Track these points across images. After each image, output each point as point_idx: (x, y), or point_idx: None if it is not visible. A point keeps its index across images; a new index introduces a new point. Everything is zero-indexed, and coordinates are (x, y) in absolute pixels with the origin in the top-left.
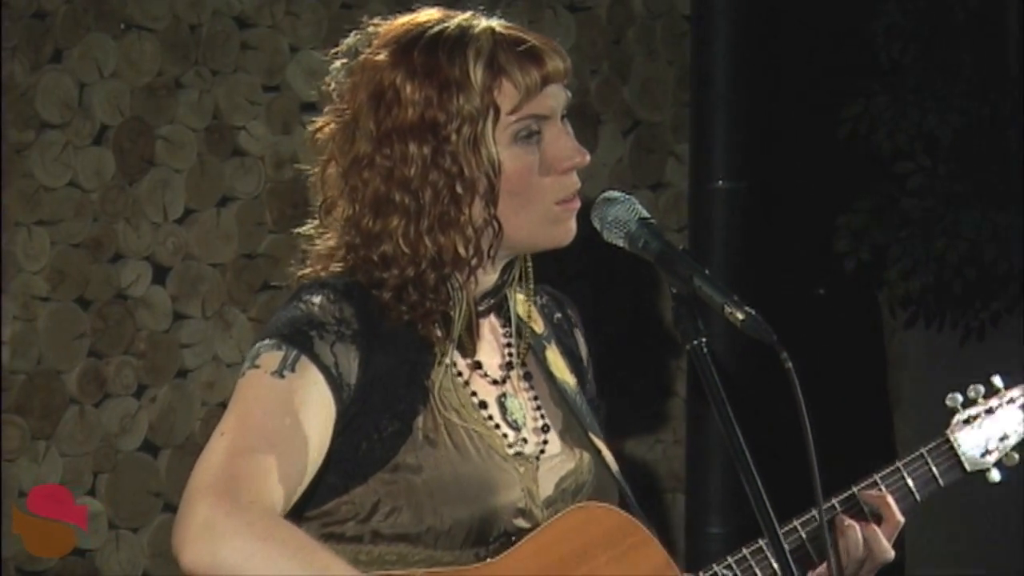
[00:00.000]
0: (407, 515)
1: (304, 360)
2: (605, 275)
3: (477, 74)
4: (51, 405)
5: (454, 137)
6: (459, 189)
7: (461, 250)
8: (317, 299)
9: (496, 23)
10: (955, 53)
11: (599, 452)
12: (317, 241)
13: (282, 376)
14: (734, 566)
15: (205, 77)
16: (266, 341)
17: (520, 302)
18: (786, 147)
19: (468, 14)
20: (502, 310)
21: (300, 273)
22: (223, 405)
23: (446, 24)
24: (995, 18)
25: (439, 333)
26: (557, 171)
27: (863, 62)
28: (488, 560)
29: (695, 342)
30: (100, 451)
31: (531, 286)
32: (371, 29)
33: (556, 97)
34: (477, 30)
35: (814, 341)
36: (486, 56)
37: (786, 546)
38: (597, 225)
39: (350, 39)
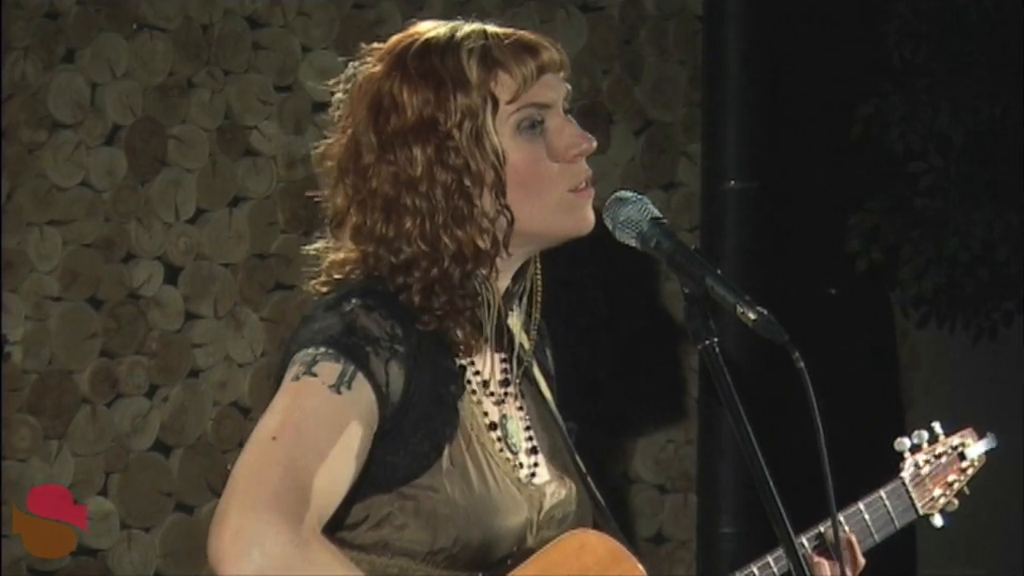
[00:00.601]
0: (417, 531)
1: (360, 377)
2: (617, 276)
3: (472, 69)
4: (63, 405)
5: (456, 133)
6: (467, 183)
7: (480, 242)
8: (370, 311)
9: (486, 25)
10: (967, 53)
11: (584, 478)
12: (329, 254)
13: (339, 392)
14: None
15: (217, 77)
16: (323, 349)
17: (512, 317)
18: (798, 147)
19: (455, 22)
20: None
21: (314, 282)
22: (235, 404)
23: (436, 30)
24: (1008, 18)
25: (471, 334)
26: (565, 159)
27: (875, 62)
28: None
29: (707, 342)
30: (112, 451)
31: (539, 298)
32: (367, 58)
33: (555, 87)
34: (467, 30)
35: (826, 341)
36: (479, 51)
37: (798, 545)
38: (609, 225)
39: (349, 70)
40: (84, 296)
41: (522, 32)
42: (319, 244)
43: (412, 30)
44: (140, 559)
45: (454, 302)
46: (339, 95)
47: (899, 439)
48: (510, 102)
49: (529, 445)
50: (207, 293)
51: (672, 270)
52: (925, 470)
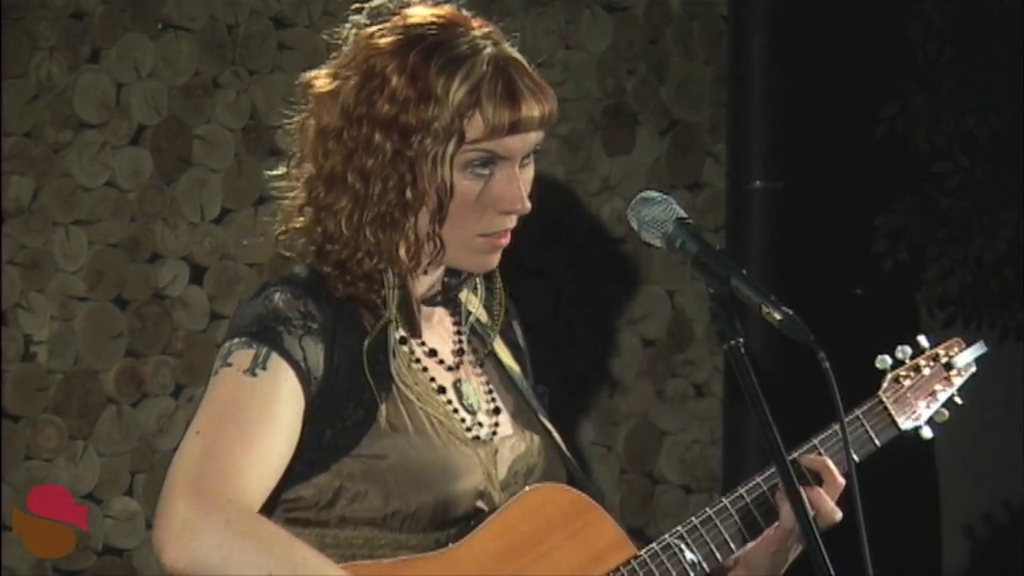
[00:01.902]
0: (373, 500)
1: (275, 356)
2: (641, 275)
3: (457, 96)
4: (88, 405)
5: (417, 147)
6: (408, 196)
7: (402, 253)
8: (281, 295)
9: (504, 53)
10: (993, 53)
11: (549, 434)
12: (287, 193)
13: (254, 374)
14: (685, 536)
15: (242, 77)
16: (236, 339)
17: (467, 293)
18: (823, 147)
19: (486, 31)
20: (450, 301)
21: (275, 229)
22: None
23: (453, 36)
24: None
25: (371, 316)
26: (493, 210)
27: (901, 62)
28: (450, 545)
29: (732, 342)
30: (137, 451)
31: (499, 285)
32: (396, 3)
33: (523, 142)
34: (478, 54)
35: (851, 341)
36: (472, 82)
37: (822, 545)
38: (634, 225)
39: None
40: (110, 296)
41: (524, 79)
42: (278, 172)
43: (440, 16)
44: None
45: (356, 286)
46: (356, 28)
47: (880, 356)
48: (472, 141)
49: (491, 406)
50: (232, 293)
51: (697, 270)
52: (906, 383)
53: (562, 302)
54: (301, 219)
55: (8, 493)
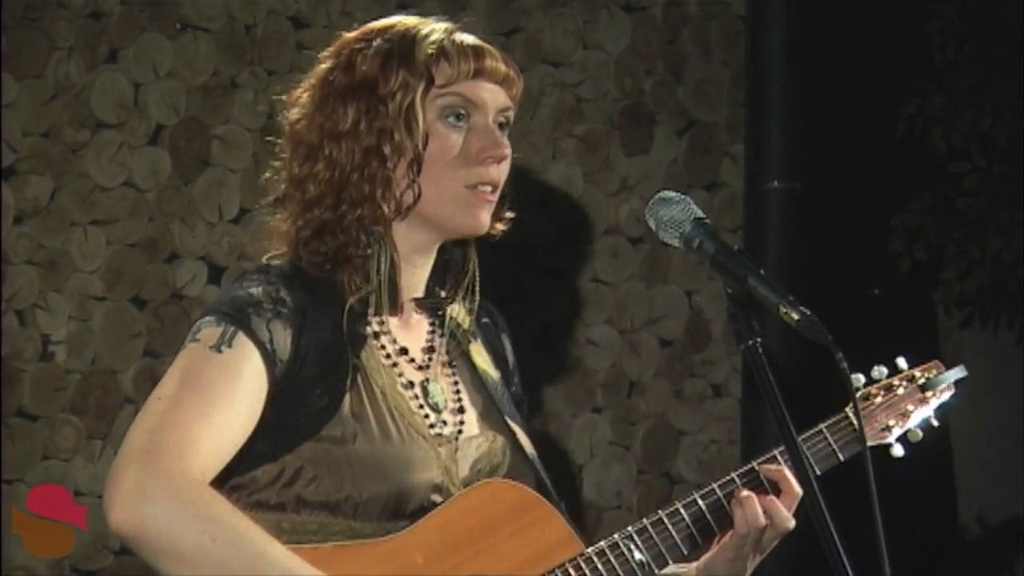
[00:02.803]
0: (327, 483)
1: (241, 336)
2: (659, 275)
3: (421, 50)
4: (106, 405)
5: (389, 101)
6: (386, 149)
7: (383, 205)
8: (257, 282)
9: (455, 26)
10: (1010, 53)
11: (515, 436)
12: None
13: (219, 351)
14: (635, 536)
15: (260, 77)
16: (207, 318)
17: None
18: (841, 147)
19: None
20: (431, 306)
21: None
22: None
23: (410, 20)
24: None
25: (356, 282)
26: (475, 160)
27: (918, 62)
28: (393, 535)
29: (750, 342)
30: None
31: (475, 302)
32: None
33: (492, 94)
34: (435, 24)
35: (869, 341)
36: (434, 39)
37: (840, 547)
38: (652, 225)
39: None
40: (128, 296)
41: (484, 42)
42: (270, 173)
43: (395, 18)
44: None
45: (344, 247)
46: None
47: (855, 374)
48: (442, 86)
49: (457, 405)
50: None
51: (715, 270)
52: (877, 401)
53: (580, 302)
54: (281, 218)
55: (27, 494)
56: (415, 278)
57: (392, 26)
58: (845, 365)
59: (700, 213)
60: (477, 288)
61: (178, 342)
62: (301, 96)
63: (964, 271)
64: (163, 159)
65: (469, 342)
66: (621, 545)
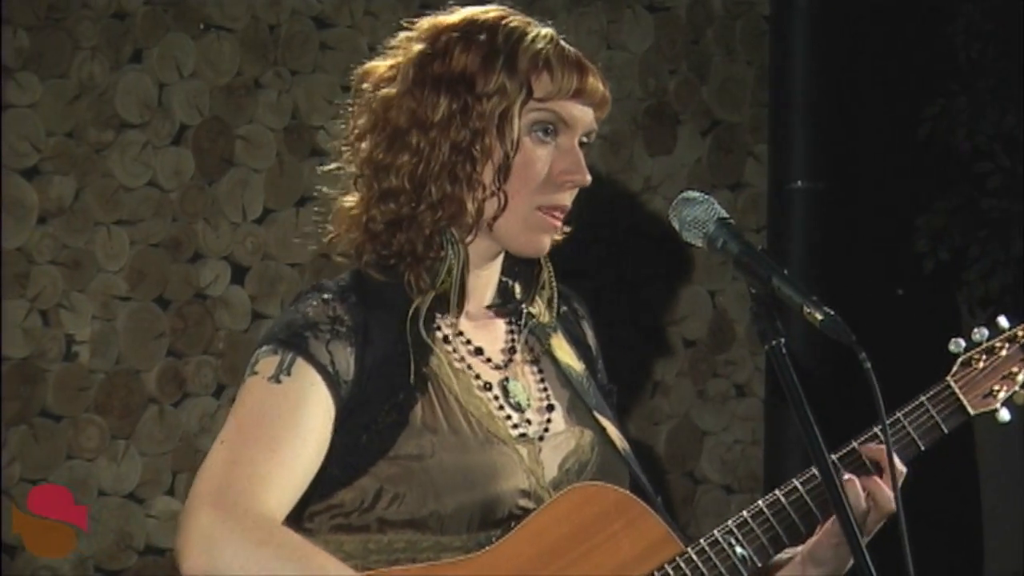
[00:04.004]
0: (410, 501)
1: (300, 361)
2: (682, 275)
3: (525, 58)
4: (130, 405)
5: (485, 102)
6: (476, 151)
7: (468, 204)
8: (311, 302)
9: (556, 33)
10: None
11: (604, 431)
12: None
13: (279, 381)
14: (735, 530)
15: (284, 77)
16: (263, 348)
17: (520, 293)
18: (865, 147)
19: (536, 21)
20: (506, 304)
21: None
22: None
23: (513, 17)
24: None
25: (423, 284)
26: (554, 181)
27: (942, 62)
28: (485, 548)
29: (774, 342)
30: (179, 451)
31: (553, 295)
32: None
33: (584, 114)
34: (540, 29)
35: (893, 342)
36: (538, 47)
37: (864, 547)
38: (676, 225)
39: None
40: (151, 296)
41: (582, 56)
42: (332, 166)
43: (495, 9)
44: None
45: (415, 245)
46: (404, 31)
47: (955, 339)
48: (540, 100)
49: (543, 403)
50: (274, 293)
51: (739, 270)
52: (979, 366)
53: (603, 302)
54: (351, 202)
55: None
56: (481, 281)
57: (496, 21)
58: (869, 365)
59: (724, 213)
60: (554, 285)
61: (202, 342)
62: (387, 72)
63: (988, 271)
64: (187, 159)
65: (549, 336)
66: (721, 541)
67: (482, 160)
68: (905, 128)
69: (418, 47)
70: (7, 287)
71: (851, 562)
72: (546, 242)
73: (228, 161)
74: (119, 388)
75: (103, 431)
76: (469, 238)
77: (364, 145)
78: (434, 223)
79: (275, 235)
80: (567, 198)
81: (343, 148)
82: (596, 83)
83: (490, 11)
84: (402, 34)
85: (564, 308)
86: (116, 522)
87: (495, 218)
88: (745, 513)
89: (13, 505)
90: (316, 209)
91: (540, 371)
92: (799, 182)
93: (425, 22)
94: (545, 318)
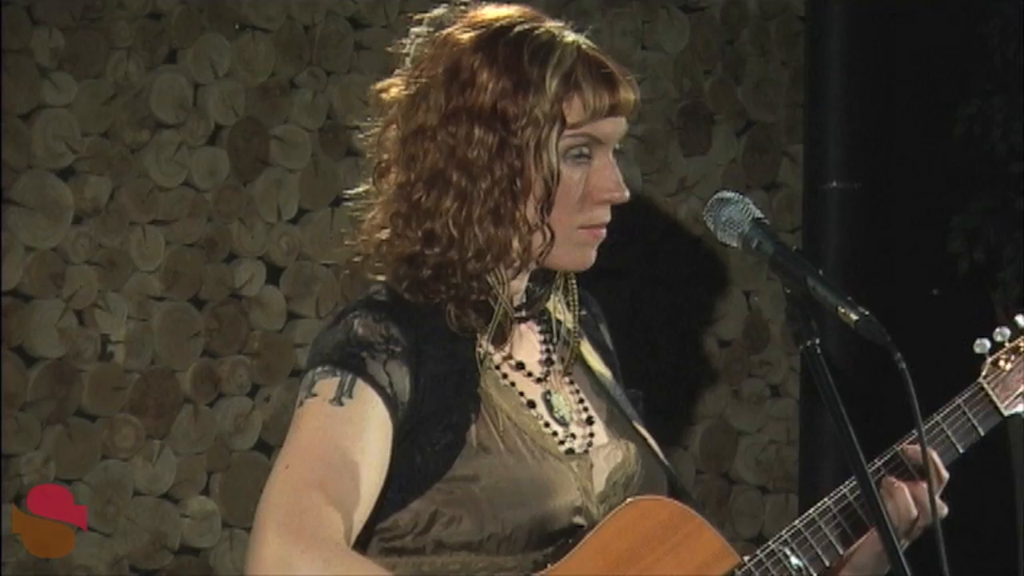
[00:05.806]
0: (467, 523)
1: (360, 383)
2: (718, 275)
3: (554, 81)
4: (165, 405)
5: (520, 135)
6: (517, 186)
7: (516, 244)
8: (361, 319)
9: (582, 40)
10: None
11: (645, 440)
12: (367, 210)
13: (341, 403)
14: (790, 541)
15: (319, 77)
16: (319, 368)
17: (552, 301)
18: (900, 148)
19: (559, 23)
20: (537, 312)
21: (349, 244)
22: None
23: (536, 26)
24: None
25: (475, 322)
26: (593, 199)
27: (977, 62)
28: (548, 567)
29: (809, 343)
30: (214, 451)
31: (573, 296)
32: (461, 7)
33: (617, 127)
34: (565, 40)
35: (928, 342)
36: (566, 67)
37: (900, 549)
38: (711, 225)
39: (439, 11)
40: (186, 296)
41: (611, 63)
42: (360, 189)
43: (513, 12)
44: (242, 558)
45: (462, 288)
46: (420, 37)
47: (979, 340)
48: (573, 126)
49: (584, 416)
50: (309, 293)
51: (774, 271)
52: (1007, 367)
53: (639, 303)
54: (385, 231)
55: (86, 493)
56: (517, 295)
57: (518, 37)
58: (904, 366)
59: (759, 213)
60: (573, 284)
61: (237, 342)
62: (411, 94)
63: (1023, 271)
64: (222, 159)
65: (578, 343)
66: (777, 552)
67: (523, 196)
68: (940, 128)
69: (439, 72)
70: (42, 287)
71: (888, 568)
72: (592, 256)
73: (263, 161)
74: (154, 388)
75: (138, 431)
76: (514, 274)
77: (395, 176)
78: (482, 268)
79: (310, 235)
80: (607, 214)
81: (375, 164)
82: (628, 94)
83: (504, 18)
84: (415, 39)
85: (583, 312)
86: (151, 522)
87: (541, 253)
88: (797, 523)
89: (13, 505)
90: (349, 205)
91: (572, 381)
92: (834, 182)
93: (439, 37)
94: (569, 322)
